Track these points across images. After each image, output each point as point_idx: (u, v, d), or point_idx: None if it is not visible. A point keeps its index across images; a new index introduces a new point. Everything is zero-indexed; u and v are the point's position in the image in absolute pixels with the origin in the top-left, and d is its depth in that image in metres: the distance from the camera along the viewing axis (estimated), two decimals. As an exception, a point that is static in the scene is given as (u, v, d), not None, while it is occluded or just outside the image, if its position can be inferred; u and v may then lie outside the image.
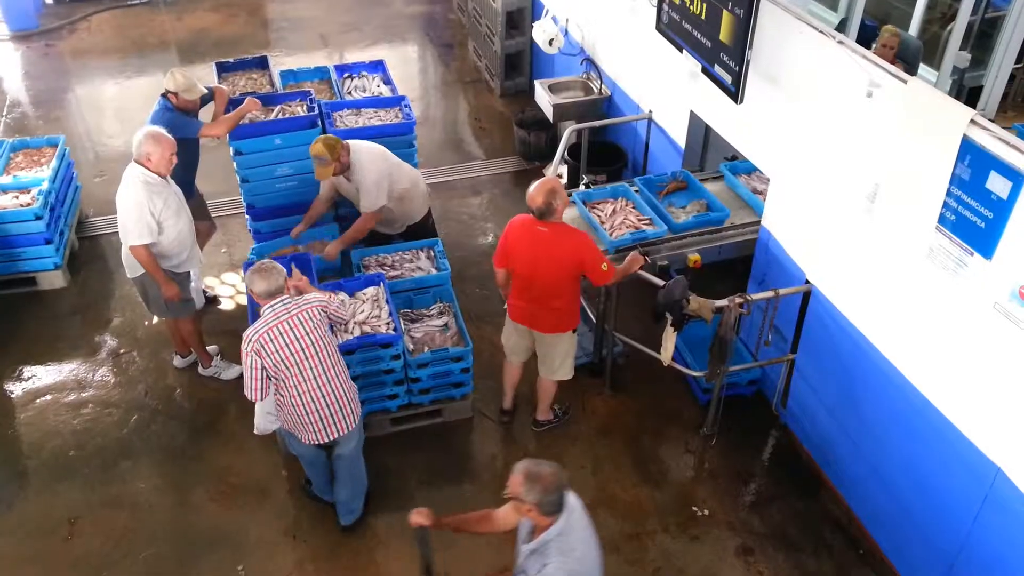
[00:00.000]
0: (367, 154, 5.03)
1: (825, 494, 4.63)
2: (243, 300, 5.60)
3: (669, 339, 4.49)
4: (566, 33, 7.05)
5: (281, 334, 3.76)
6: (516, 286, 4.48)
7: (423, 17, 10.30)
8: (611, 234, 4.97)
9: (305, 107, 5.71)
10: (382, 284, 4.83)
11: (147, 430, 5.06)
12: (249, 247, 5.90)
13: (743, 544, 4.40)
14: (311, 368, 3.84)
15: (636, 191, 5.33)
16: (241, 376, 5.25)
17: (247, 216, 5.80)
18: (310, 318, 3.83)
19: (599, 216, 5.16)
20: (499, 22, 7.91)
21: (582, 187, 5.82)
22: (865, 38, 5.69)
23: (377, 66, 6.45)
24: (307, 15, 10.26)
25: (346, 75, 6.35)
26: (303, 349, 3.80)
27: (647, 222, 5.07)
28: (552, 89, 6.87)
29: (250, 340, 3.74)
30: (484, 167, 7.48)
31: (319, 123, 5.58)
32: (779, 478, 4.76)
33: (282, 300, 3.81)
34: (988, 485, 3.46)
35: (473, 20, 8.83)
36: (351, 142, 5.03)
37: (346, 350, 4.43)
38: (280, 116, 5.63)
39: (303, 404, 3.90)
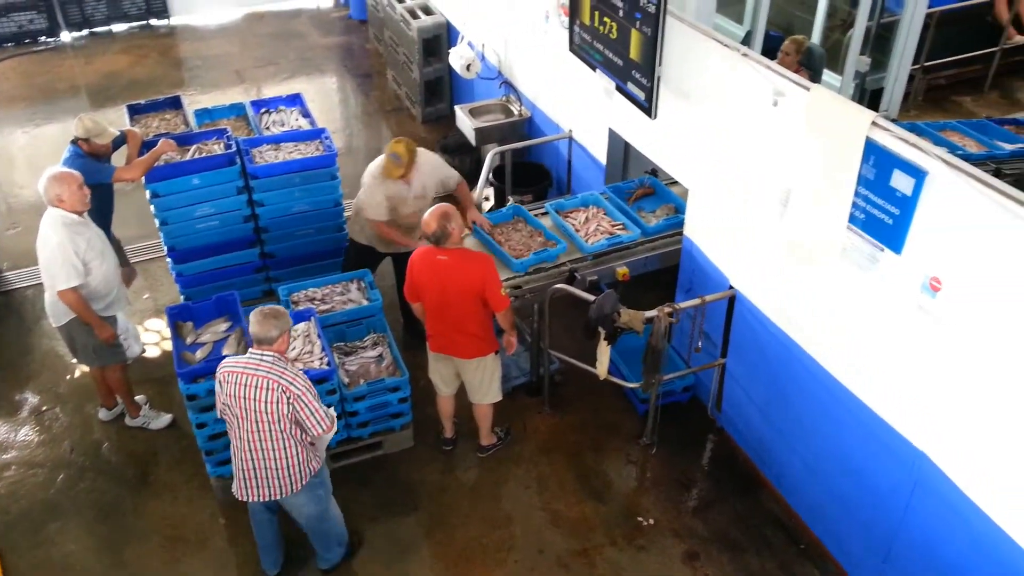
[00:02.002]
0: (429, 162, 5.28)
1: (764, 493, 4.73)
2: (169, 346, 5.45)
3: (603, 353, 4.54)
4: (483, 58, 7.12)
5: (237, 383, 3.67)
6: (430, 317, 4.50)
7: (340, 48, 10.27)
8: (587, 240, 5.08)
9: (222, 145, 5.62)
10: (313, 319, 4.77)
11: (75, 488, 4.87)
12: (173, 291, 5.77)
13: (688, 550, 4.46)
14: (246, 429, 3.75)
15: (606, 199, 5.45)
16: (170, 425, 5.18)
17: (168, 259, 5.66)
18: (268, 392, 3.63)
19: (573, 224, 5.26)
20: (416, 50, 7.94)
21: (507, 207, 5.85)
22: (771, 48, 5.90)
23: (295, 99, 6.40)
24: (221, 52, 10.13)
25: (263, 110, 6.28)
26: (246, 410, 3.69)
27: (620, 227, 5.20)
28: (473, 113, 6.93)
29: (221, 367, 3.76)
30: (411, 194, 7.46)
31: (237, 160, 5.49)
32: (719, 481, 4.84)
33: (263, 355, 3.66)
34: (915, 471, 3.58)
35: (390, 49, 8.85)
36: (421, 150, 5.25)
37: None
38: (197, 155, 5.53)
39: (234, 451, 3.86)
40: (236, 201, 5.56)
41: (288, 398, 3.64)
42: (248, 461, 3.81)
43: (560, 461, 4.98)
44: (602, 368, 4.58)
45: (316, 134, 5.92)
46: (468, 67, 6.96)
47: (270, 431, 3.72)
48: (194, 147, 5.61)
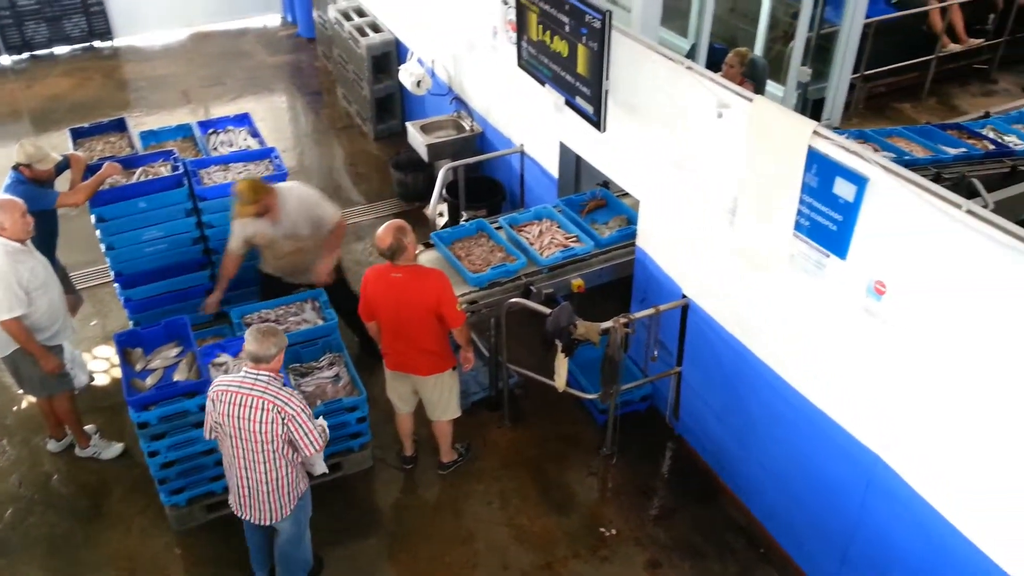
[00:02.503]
0: (288, 188, 5.04)
1: (724, 498, 4.78)
2: (118, 373, 5.33)
3: (561, 365, 4.55)
4: (433, 74, 7.13)
5: (231, 402, 3.66)
6: (386, 335, 4.48)
7: (288, 66, 10.19)
8: (542, 254, 5.10)
9: (169, 167, 5.53)
10: (266, 341, 4.69)
11: (24, 523, 4.72)
12: (121, 316, 5.64)
13: (651, 558, 4.48)
14: (241, 448, 3.73)
15: (560, 211, 5.48)
16: (121, 454, 5.06)
17: (116, 284, 5.54)
18: (263, 412, 3.62)
19: (528, 238, 5.27)
20: (366, 67, 7.92)
21: (463, 222, 5.86)
22: (716, 61, 6.01)
23: (243, 119, 6.33)
24: (166, 72, 9.98)
25: (211, 131, 6.20)
26: (240, 430, 3.68)
27: (574, 239, 5.22)
28: (425, 130, 6.93)
29: (214, 386, 3.75)
30: (365, 212, 7.44)
31: (185, 182, 5.41)
32: (679, 488, 4.88)
33: (259, 375, 3.66)
34: (869, 472, 3.65)
35: (340, 66, 8.81)
36: (283, 186, 5.07)
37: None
38: (143, 178, 5.43)
39: (227, 468, 3.88)
40: (185, 223, 5.47)
41: (283, 419, 3.66)
42: (243, 479, 3.81)
43: (522, 475, 4.97)
44: (560, 380, 4.60)
45: (266, 153, 5.87)
46: (418, 84, 6.96)
47: (263, 451, 3.72)
48: (140, 170, 5.51)
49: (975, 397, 3.03)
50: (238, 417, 3.66)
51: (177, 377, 4.45)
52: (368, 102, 8.19)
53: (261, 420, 3.63)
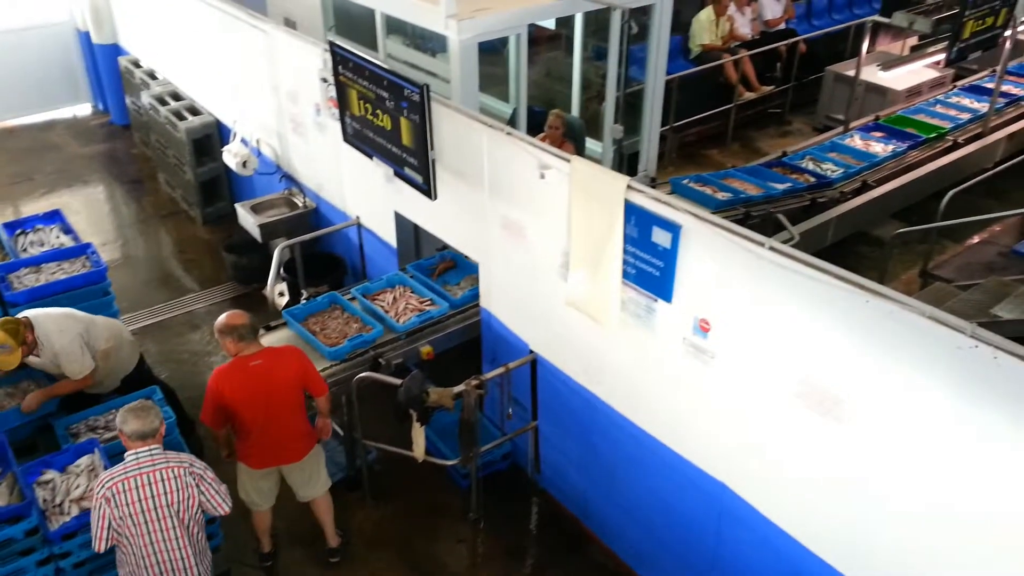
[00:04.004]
0: (52, 321, 4.57)
1: (592, 547, 4.84)
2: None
3: (418, 435, 4.50)
4: (259, 153, 7.01)
5: (137, 487, 3.47)
6: (254, 433, 4.25)
7: (103, 156, 9.70)
8: (399, 320, 5.10)
9: (-29, 274, 5.10)
10: (97, 451, 4.36)
11: None
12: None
13: (529, 619, 4.46)
14: (160, 532, 3.57)
15: (411, 277, 5.47)
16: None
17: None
18: (177, 480, 3.54)
19: (382, 306, 5.25)
20: (187, 151, 7.68)
21: (303, 301, 5.74)
22: (538, 123, 6.28)
23: (53, 216, 5.95)
24: (-35, 171, 9.26)
25: (18, 232, 5.78)
26: (155, 511, 3.50)
27: (428, 303, 5.24)
28: (255, 209, 6.77)
29: (103, 485, 3.55)
30: (199, 299, 7.13)
31: (-8, 289, 5.00)
32: (548, 543, 4.90)
33: (150, 450, 3.53)
34: (719, 502, 3.82)
35: (159, 152, 8.50)
36: (29, 314, 4.56)
37: (66, 534, 3.92)
38: (-58, 289, 4.98)
39: (136, 567, 3.66)
40: (-6, 333, 5.02)
41: (195, 479, 3.58)
42: (165, 564, 3.64)
43: (391, 554, 4.84)
44: (419, 450, 4.54)
45: (80, 250, 5.53)
46: (244, 164, 6.83)
47: (184, 524, 3.62)
48: (-62, 281, 5.05)
49: (799, 417, 3.26)
50: (152, 497, 3.52)
51: (-3, 503, 4.05)
52: (193, 186, 7.93)
53: (178, 488, 3.56)
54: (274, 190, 6.98)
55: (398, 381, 4.47)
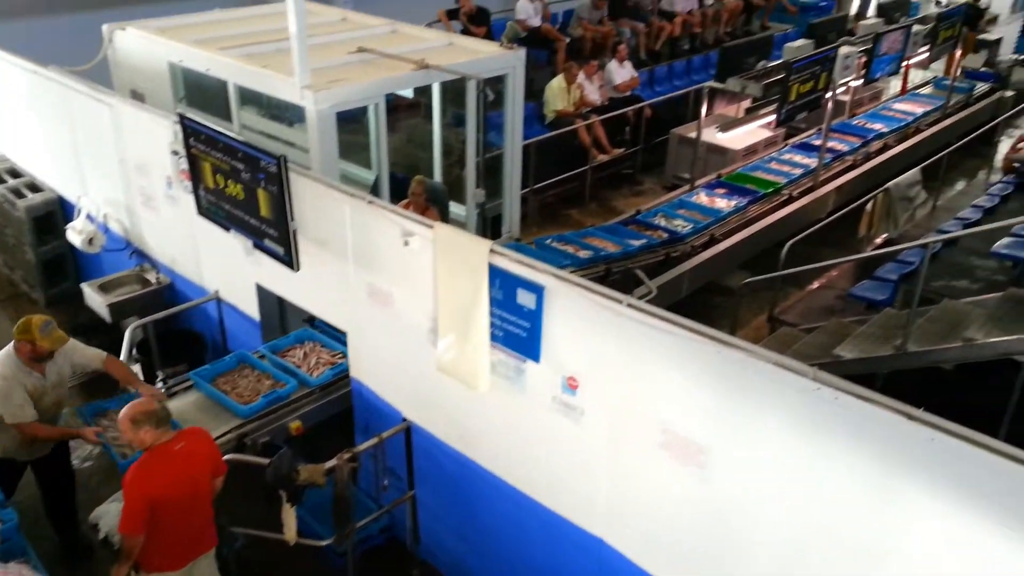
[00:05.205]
0: None
1: (476, 615, 4.76)
2: None
3: (289, 516, 4.31)
4: (106, 229, 6.68)
5: None
6: (178, 527, 3.89)
7: (-70, 237, 8.95)
8: (312, 374, 5.15)
9: None
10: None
11: None
12: None
13: None
14: None
15: (320, 331, 5.47)
16: None
17: None
18: None
19: (294, 361, 5.27)
20: (27, 230, 7.21)
21: (159, 384, 5.45)
22: (401, 189, 6.31)
23: None
24: None
25: None
26: None
27: (340, 356, 5.26)
28: (104, 288, 6.41)
29: None
30: (43, 387, 6.61)
31: None
32: (432, 616, 4.78)
33: None
34: (597, 556, 3.86)
35: (-5, 231, 7.94)
36: None
37: None
38: None
39: None
40: None
41: None
42: None
43: (263, 646, 4.57)
44: (290, 533, 4.34)
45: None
46: (91, 241, 6.49)
47: None
48: None
49: (666, 467, 3.37)
50: None
51: None
52: (34, 266, 7.44)
53: None
54: (124, 267, 6.65)
55: (265, 461, 4.29)
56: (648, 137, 10.46)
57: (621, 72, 10.69)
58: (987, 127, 10.61)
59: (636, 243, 7.23)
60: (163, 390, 5.09)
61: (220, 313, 6.01)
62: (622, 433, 3.49)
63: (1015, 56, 14.12)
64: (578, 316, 3.46)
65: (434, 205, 6.22)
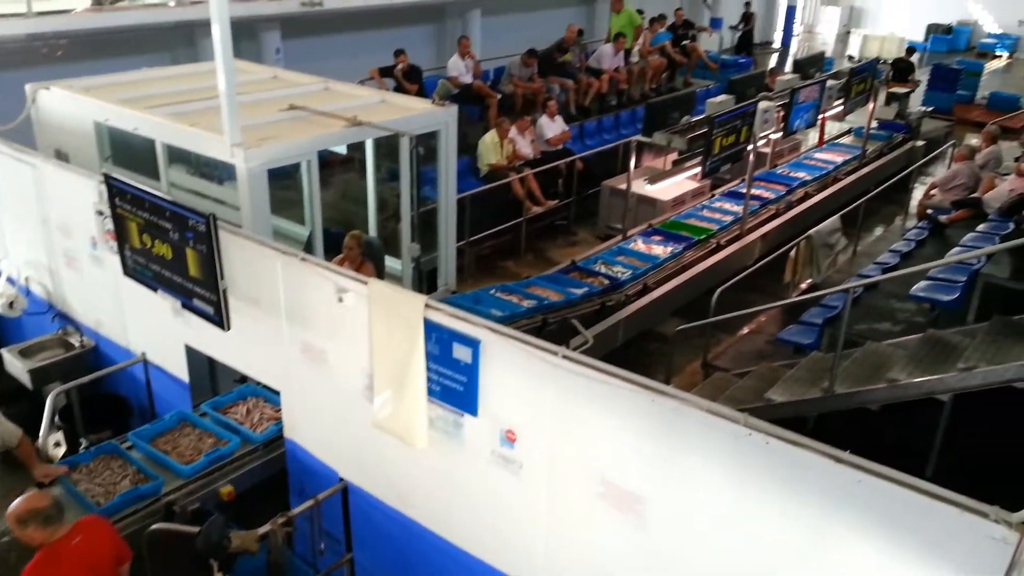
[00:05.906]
0: None
1: None
2: None
3: (220, 586, 4.15)
4: (27, 292, 6.45)
5: None
6: None
7: None
8: (256, 430, 5.05)
9: None
10: None
11: None
12: None
13: None
14: None
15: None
16: None
17: None
18: None
19: (237, 418, 5.19)
20: (-60, 293, 6.91)
21: (82, 450, 5.23)
22: (337, 244, 6.27)
23: None
24: None
25: None
26: None
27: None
28: (24, 353, 6.17)
29: None
30: (-44, 460, 6.26)
31: None
32: None
33: None
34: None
35: (-95, 296, 7.57)
36: None
37: None
38: None
39: None
40: None
41: None
42: None
43: None
44: (222, 604, 4.18)
45: None
46: (11, 305, 6.27)
47: None
48: None
49: (605, 518, 3.37)
50: None
51: None
52: (-52, 332, 7.10)
53: None
54: (47, 331, 6.42)
55: (195, 529, 4.13)
56: (580, 189, 10.67)
57: (552, 126, 10.93)
58: (901, 175, 11.14)
59: (578, 291, 7.32)
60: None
61: (147, 375, 5.82)
62: (561, 485, 3.49)
63: (923, 108, 14.96)
64: (514, 369, 3.47)
65: (369, 260, 6.20)
